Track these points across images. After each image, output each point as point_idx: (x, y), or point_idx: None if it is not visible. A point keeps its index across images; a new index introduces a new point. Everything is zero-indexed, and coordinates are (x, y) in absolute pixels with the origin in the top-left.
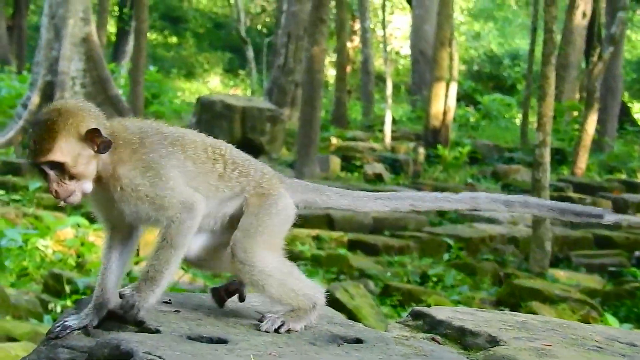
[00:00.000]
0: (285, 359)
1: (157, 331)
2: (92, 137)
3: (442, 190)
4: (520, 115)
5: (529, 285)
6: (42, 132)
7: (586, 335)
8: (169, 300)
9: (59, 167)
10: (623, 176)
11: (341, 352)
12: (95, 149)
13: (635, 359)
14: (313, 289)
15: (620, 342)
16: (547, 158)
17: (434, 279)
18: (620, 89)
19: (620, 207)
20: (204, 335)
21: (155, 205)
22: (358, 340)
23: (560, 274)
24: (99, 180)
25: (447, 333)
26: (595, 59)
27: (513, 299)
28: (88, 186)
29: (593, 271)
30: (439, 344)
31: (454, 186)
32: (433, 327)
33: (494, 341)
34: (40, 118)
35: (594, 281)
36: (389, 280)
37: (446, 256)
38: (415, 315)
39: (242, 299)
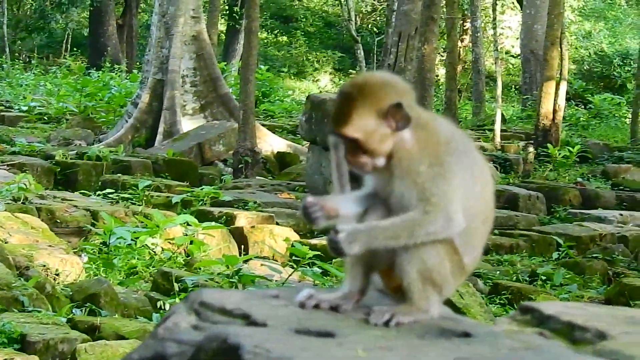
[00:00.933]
0: (395, 353)
1: (264, 325)
2: (393, 113)
3: (552, 189)
4: (630, 115)
5: (639, 284)
6: (340, 105)
7: None
8: (277, 294)
9: (353, 141)
10: None
11: (451, 345)
12: (394, 126)
13: None
14: None
15: None
16: None
17: (543, 278)
18: None
19: None
20: (312, 329)
21: (423, 195)
22: (467, 335)
23: None
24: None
25: (555, 327)
26: None
27: (622, 298)
28: (380, 162)
29: None
30: (547, 338)
31: (563, 185)
32: (541, 321)
33: (602, 336)
34: (343, 90)
35: None
36: (498, 279)
37: (555, 255)
38: (524, 310)
39: None
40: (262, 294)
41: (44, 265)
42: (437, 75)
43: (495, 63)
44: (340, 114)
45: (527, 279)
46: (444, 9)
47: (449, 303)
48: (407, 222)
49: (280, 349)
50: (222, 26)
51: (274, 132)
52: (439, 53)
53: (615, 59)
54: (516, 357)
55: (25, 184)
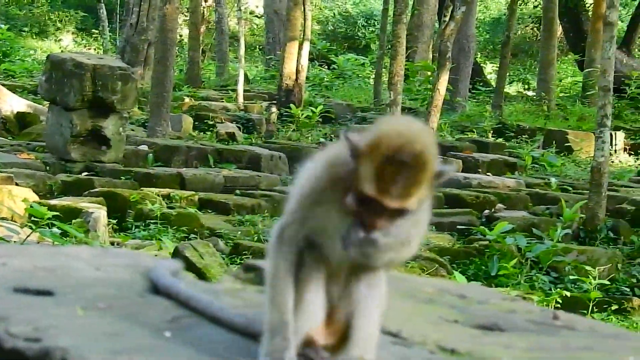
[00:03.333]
0: (112, 312)
1: None
2: (434, 179)
3: (295, 149)
4: (373, 75)
5: None
6: (402, 178)
7: (419, 288)
8: None
9: (400, 212)
10: (474, 136)
11: (171, 303)
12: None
13: (464, 310)
14: None
15: (450, 295)
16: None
17: None
18: (472, 50)
19: (470, 166)
20: (31, 288)
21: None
22: None
23: None
24: None
25: None
26: (447, 19)
27: None
28: None
29: (443, 230)
30: None
31: (306, 146)
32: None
33: None
34: (404, 160)
35: (444, 240)
36: (239, 239)
37: None
38: (248, 269)
39: None
40: None
41: None
42: (180, 35)
43: (239, 23)
44: (403, 187)
45: (267, 238)
46: None
47: (189, 263)
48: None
49: None
50: None
51: (14, 92)
52: (182, 13)
53: (360, 19)
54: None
55: None
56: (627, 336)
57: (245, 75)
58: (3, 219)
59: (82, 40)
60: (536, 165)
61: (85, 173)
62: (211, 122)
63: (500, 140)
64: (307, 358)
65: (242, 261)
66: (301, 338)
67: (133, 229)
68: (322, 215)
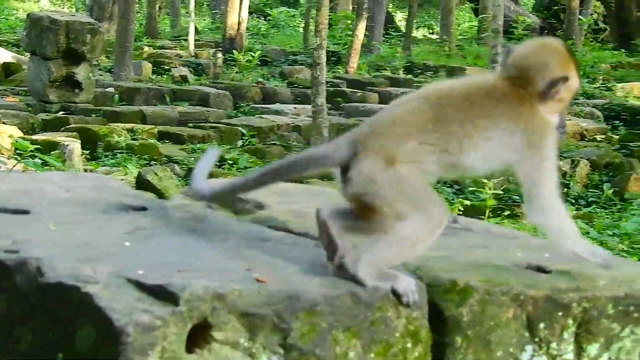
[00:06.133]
0: (82, 226)
1: None
2: None
3: (238, 88)
4: (303, 24)
5: None
6: None
7: (333, 197)
8: None
9: None
10: (388, 73)
11: (130, 218)
12: None
13: None
14: None
15: None
16: (324, 59)
17: (230, 162)
18: (384, 1)
19: (385, 99)
20: (9, 207)
21: None
22: (144, 208)
23: None
24: None
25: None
26: None
27: None
28: None
29: None
30: (213, 209)
31: (247, 85)
32: None
33: (260, 206)
34: None
35: None
36: (191, 165)
37: (240, 143)
38: None
39: None
40: None
41: None
42: None
43: None
44: None
45: (218, 163)
46: None
47: (150, 185)
48: None
49: None
50: None
51: (0, 46)
52: None
53: None
54: (184, 225)
55: None
56: (516, 235)
57: (195, 27)
58: None
59: (57, 0)
60: None
61: (62, 112)
62: (167, 67)
63: (409, 76)
64: None
65: None
66: None
67: (103, 158)
68: None
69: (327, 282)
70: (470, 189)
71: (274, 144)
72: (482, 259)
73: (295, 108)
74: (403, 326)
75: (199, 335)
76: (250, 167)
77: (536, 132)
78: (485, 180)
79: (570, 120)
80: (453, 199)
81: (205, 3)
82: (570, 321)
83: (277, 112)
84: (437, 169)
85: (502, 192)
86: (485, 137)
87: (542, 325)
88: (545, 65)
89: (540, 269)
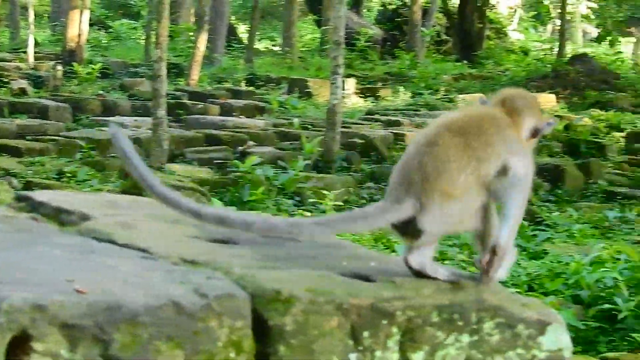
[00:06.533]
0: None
1: None
2: None
3: (78, 100)
4: (144, 37)
5: None
6: None
7: (167, 211)
8: None
9: None
10: (230, 85)
11: None
12: None
13: (204, 228)
14: None
15: None
16: (164, 71)
17: (69, 175)
18: (227, 13)
19: (226, 110)
20: None
21: None
22: None
23: (177, 167)
24: None
25: (46, 212)
26: None
27: (136, 190)
28: None
29: (204, 165)
30: (39, 222)
31: (87, 97)
32: (35, 208)
33: (86, 217)
34: None
35: (205, 172)
36: (30, 177)
37: (79, 155)
38: (20, 199)
39: None
40: None
41: None
42: None
43: None
44: None
45: (56, 176)
46: None
47: None
48: None
49: None
50: None
51: None
52: None
53: None
54: (7, 238)
55: None
56: (343, 245)
57: (35, 39)
58: None
59: None
60: (282, 109)
61: None
62: (6, 80)
63: (251, 88)
64: None
65: None
66: None
67: None
68: None
69: (150, 292)
70: (311, 200)
71: (114, 156)
72: (307, 268)
73: (135, 120)
74: (226, 336)
75: (18, 348)
76: (88, 180)
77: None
78: (326, 192)
79: (411, 131)
80: (294, 211)
81: (45, 15)
82: (394, 329)
83: (118, 125)
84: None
85: (342, 204)
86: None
87: (366, 333)
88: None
89: (365, 278)
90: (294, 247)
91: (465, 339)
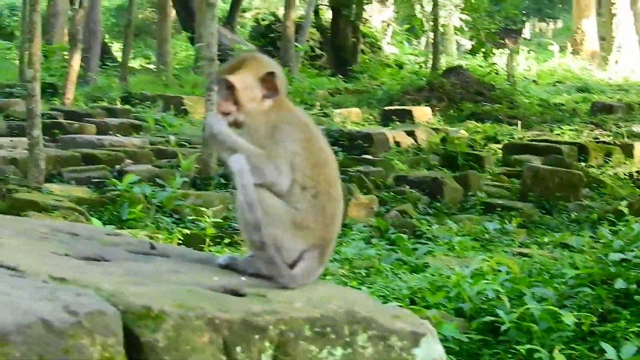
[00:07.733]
0: None
1: None
2: (267, 81)
3: None
4: (18, 57)
5: (27, 198)
6: (233, 62)
7: (34, 228)
8: None
9: (231, 89)
10: (105, 104)
11: None
12: (265, 92)
13: (74, 245)
14: None
15: (63, 233)
16: (38, 91)
17: None
18: (100, 32)
19: (102, 129)
20: None
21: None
22: None
23: (54, 187)
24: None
25: None
26: (77, 6)
27: (14, 210)
28: (241, 117)
29: (82, 184)
30: None
31: None
32: None
33: None
34: (239, 55)
35: (83, 192)
36: None
37: None
38: None
39: None
40: None
41: None
42: None
43: None
44: (230, 67)
45: None
46: None
47: None
48: (252, 150)
49: None
50: None
51: None
52: None
53: (5, 10)
54: None
55: None
56: (214, 259)
57: None
58: None
59: None
60: (158, 126)
61: None
62: None
63: (127, 106)
64: None
65: None
66: None
67: None
68: None
69: (19, 311)
70: (190, 217)
71: None
72: (177, 284)
73: (11, 141)
74: (99, 353)
75: None
76: None
77: None
78: (205, 209)
79: None
80: (173, 229)
81: None
82: (267, 344)
83: None
84: None
85: (222, 221)
86: None
87: (238, 348)
88: None
89: (236, 293)
90: (162, 262)
91: (339, 352)
